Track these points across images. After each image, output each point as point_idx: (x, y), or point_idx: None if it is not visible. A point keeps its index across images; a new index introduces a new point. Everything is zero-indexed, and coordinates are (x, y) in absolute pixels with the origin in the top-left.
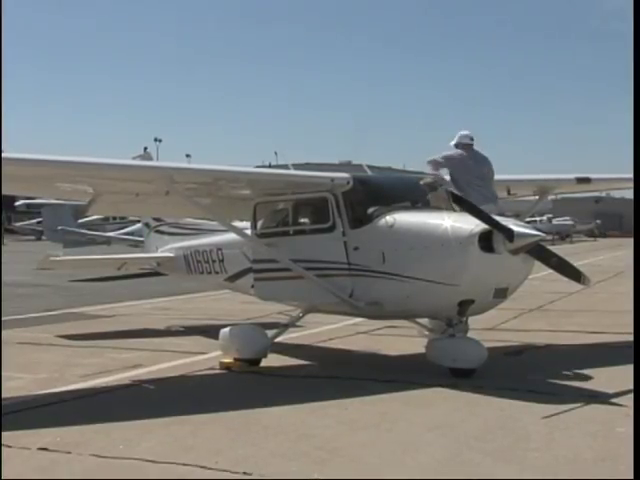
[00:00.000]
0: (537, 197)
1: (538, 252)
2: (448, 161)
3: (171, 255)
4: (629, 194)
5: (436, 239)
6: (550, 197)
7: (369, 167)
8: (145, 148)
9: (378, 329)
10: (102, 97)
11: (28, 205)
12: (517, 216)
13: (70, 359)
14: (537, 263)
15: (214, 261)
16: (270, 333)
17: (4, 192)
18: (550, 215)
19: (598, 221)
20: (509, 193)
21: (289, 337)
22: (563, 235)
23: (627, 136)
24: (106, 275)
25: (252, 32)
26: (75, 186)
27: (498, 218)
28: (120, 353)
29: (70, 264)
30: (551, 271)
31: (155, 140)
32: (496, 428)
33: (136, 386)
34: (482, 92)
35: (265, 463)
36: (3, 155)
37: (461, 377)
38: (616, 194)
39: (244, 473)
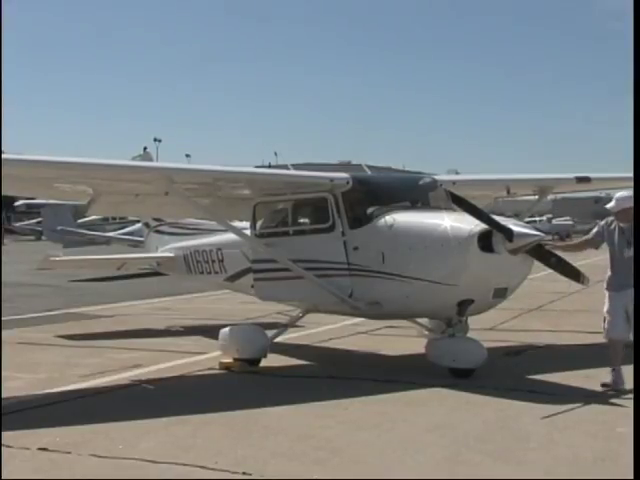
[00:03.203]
0: (537, 197)
1: (537, 252)
2: None
3: (171, 255)
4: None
5: (436, 239)
6: (550, 197)
7: (369, 167)
8: (145, 148)
9: (378, 329)
10: (102, 97)
11: (28, 205)
12: (517, 216)
13: (70, 359)
14: (537, 263)
15: (214, 261)
16: (270, 333)
17: (4, 192)
18: (550, 215)
19: (599, 221)
20: (509, 192)
21: (289, 337)
22: (563, 235)
23: (627, 135)
24: (106, 275)
25: (252, 32)
26: (75, 187)
27: (497, 218)
28: (120, 353)
29: (70, 264)
30: (551, 271)
31: (155, 140)
32: (496, 428)
33: (136, 386)
34: (482, 92)
35: (265, 463)
36: (3, 156)
37: (461, 377)
38: (616, 194)
39: (244, 473)
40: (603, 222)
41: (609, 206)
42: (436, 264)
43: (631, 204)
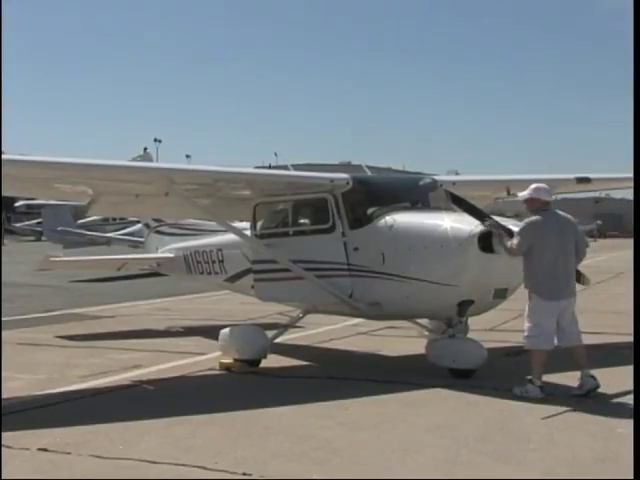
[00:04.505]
0: None
1: None
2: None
3: (171, 255)
4: (629, 194)
5: (436, 240)
6: None
7: (369, 168)
8: (145, 148)
9: (378, 330)
10: (102, 97)
11: (28, 206)
12: (517, 216)
13: (70, 360)
14: None
15: (214, 262)
16: (270, 334)
17: (4, 193)
18: None
19: (599, 222)
20: (509, 193)
21: (289, 338)
22: None
23: (627, 136)
24: (106, 276)
25: (253, 33)
26: (75, 187)
27: (497, 219)
28: (120, 354)
29: (70, 265)
30: None
31: (155, 140)
32: (496, 429)
33: (136, 387)
34: (482, 92)
35: (265, 463)
36: (3, 157)
37: (461, 378)
38: (616, 194)
39: (244, 474)
40: None
41: (520, 195)
42: (436, 265)
43: (537, 195)
